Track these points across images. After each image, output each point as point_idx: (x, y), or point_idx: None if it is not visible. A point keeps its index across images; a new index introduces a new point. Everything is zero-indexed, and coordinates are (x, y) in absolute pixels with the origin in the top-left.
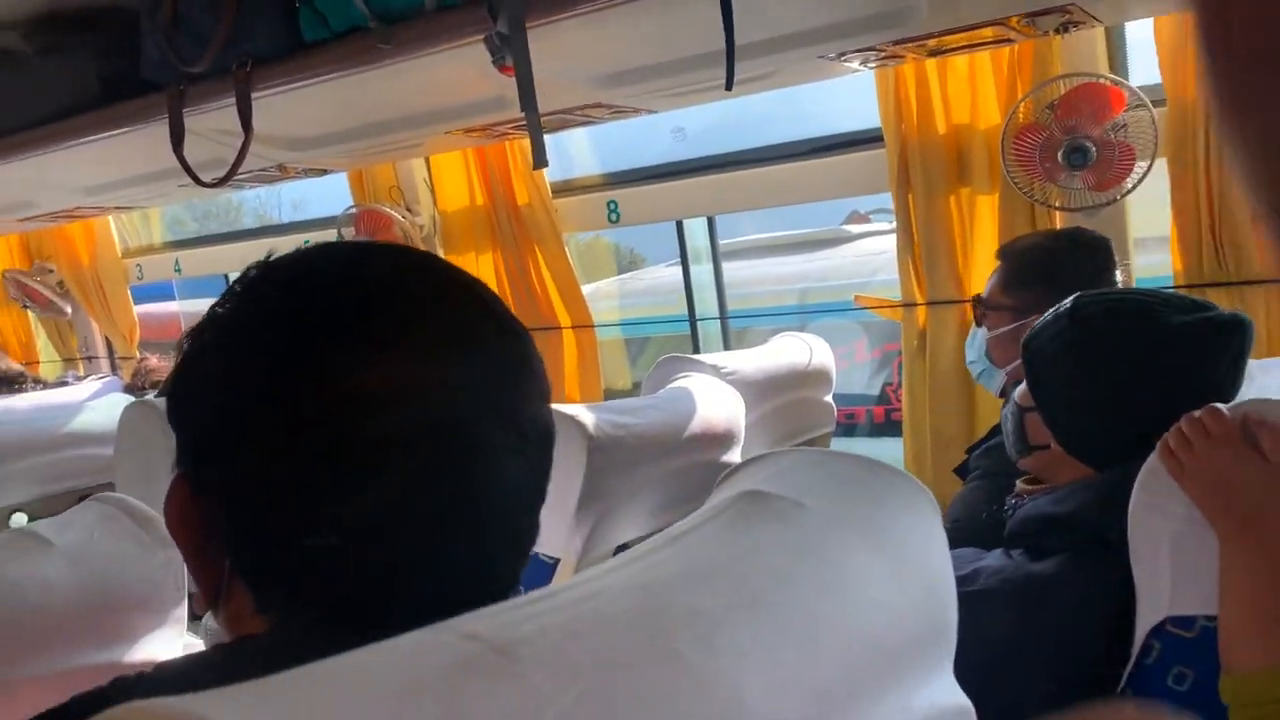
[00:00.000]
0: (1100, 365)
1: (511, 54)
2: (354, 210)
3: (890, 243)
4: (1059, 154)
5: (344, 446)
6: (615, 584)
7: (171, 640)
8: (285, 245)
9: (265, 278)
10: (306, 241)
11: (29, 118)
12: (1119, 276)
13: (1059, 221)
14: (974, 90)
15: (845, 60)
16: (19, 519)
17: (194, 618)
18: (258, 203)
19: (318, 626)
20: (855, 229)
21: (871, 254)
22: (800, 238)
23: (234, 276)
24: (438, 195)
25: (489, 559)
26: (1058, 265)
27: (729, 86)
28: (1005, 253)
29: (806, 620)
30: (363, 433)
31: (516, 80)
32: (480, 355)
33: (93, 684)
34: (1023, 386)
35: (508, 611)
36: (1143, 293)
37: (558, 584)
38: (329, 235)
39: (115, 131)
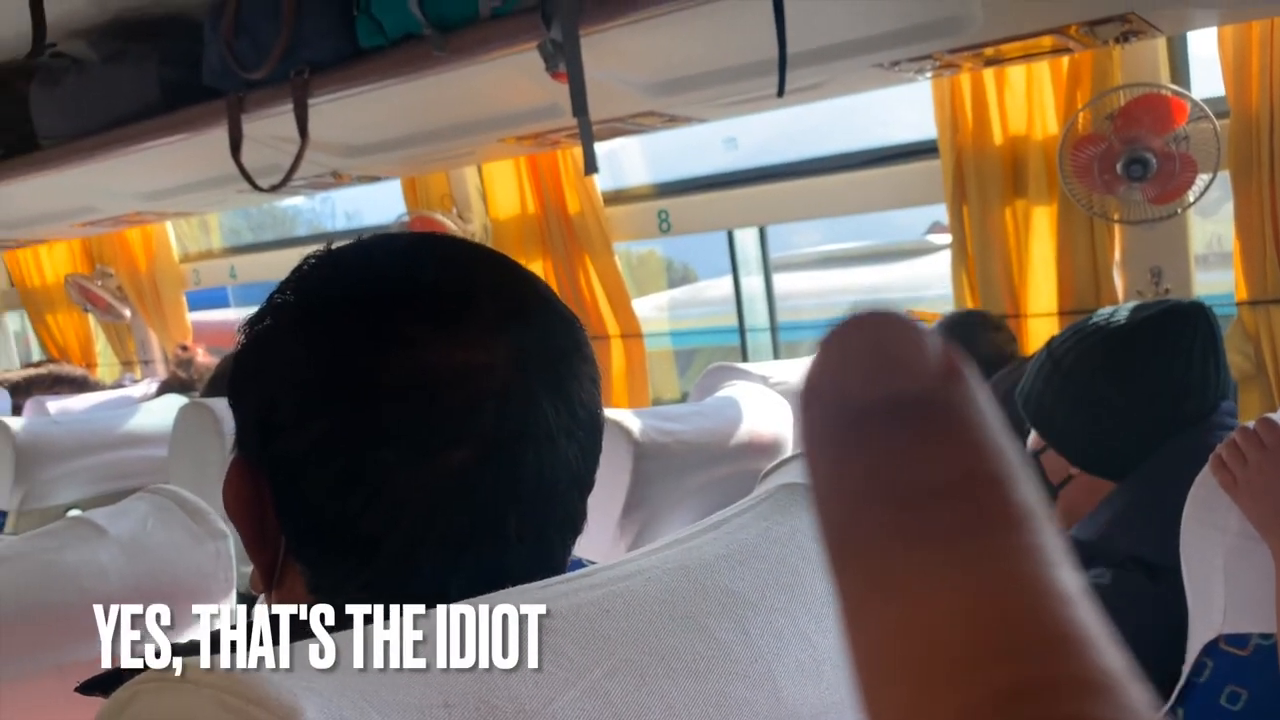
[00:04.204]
0: (1079, 374)
1: (564, 59)
2: (406, 217)
3: None
4: (1118, 165)
5: (414, 420)
6: (653, 565)
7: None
8: None
9: (328, 263)
10: None
11: (93, 124)
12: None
13: (1118, 235)
14: (1031, 101)
15: (899, 69)
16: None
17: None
18: (312, 214)
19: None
20: (938, 239)
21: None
22: (885, 248)
23: None
24: (489, 203)
25: (543, 541)
26: None
27: (780, 93)
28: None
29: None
30: (433, 407)
31: (569, 85)
32: (538, 333)
33: None
34: (1032, 435)
35: (545, 588)
36: (1109, 310)
37: (596, 565)
38: None
39: (176, 137)
